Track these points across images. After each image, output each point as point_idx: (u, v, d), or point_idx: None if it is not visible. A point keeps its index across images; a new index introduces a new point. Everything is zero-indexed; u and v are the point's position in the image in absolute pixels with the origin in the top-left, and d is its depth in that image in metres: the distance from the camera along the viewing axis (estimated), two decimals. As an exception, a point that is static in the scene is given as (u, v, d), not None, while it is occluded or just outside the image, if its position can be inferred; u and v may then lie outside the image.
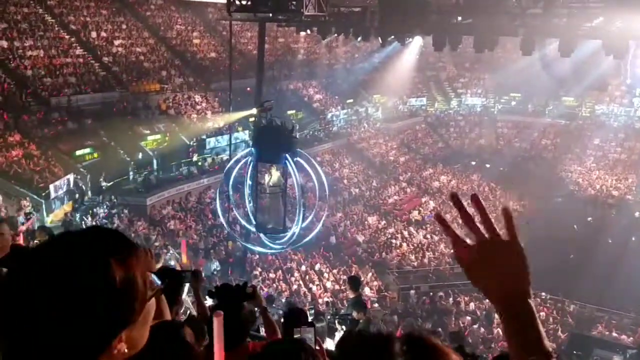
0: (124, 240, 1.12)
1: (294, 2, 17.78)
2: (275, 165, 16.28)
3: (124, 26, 37.52)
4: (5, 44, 29.25)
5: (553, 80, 46.25)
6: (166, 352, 2.27)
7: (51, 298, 0.98)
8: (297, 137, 16.73)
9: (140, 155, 29.36)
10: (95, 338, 1.02)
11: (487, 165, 45.90)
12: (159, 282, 1.19)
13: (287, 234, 17.10)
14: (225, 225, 21.80)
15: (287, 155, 15.61)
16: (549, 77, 45.57)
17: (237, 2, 18.44)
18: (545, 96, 51.58)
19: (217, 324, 2.24)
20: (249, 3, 18.18)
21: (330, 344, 8.64)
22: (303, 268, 26.26)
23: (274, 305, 16.28)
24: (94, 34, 34.75)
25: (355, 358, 1.01)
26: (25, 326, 0.98)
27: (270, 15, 20.94)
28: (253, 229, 18.10)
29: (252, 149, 16.52)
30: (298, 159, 16.27)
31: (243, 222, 19.31)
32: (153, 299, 1.16)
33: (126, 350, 1.08)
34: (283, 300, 20.35)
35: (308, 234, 18.87)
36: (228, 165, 19.52)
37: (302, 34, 32.05)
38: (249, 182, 16.95)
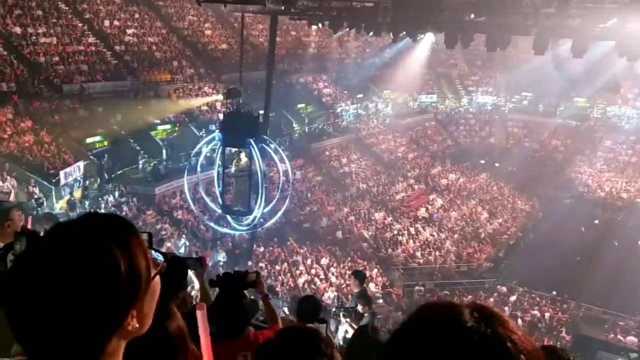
0: (123, 223, 1.18)
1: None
2: (245, 151, 16.67)
3: (136, 15, 37.60)
4: (19, 30, 29.39)
5: (565, 80, 45.88)
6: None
7: (62, 287, 1.04)
8: (261, 122, 17.37)
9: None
10: (107, 319, 1.09)
11: (497, 165, 45.72)
12: (161, 259, 1.26)
13: (250, 216, 17.61)
14: (192, 206, 22.48)
15: (251, 140, 16.00)
16: (561, 78, 45.23)
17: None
18: (556, 96, 51.14)
19: (201, 316, 2.26)
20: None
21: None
22: (308, 262, 26.34)
23: (273, 296, 16.44)
24: (106, 23, 34.86)
25: (422, 329, 1.02)
26: (38, 312, 1.04)
27: (283, 7, 20.97)
28: (219, 210, 18.68)
29: (219, 134, 16.91)
30: (263, 145, 16.77)
31: (210, 204, 19.92)
32: (158, 276, 1.22)
33: (137, 326, 1.16)
34: (285, 294, 20.52)
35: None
36: (195, 150, 20.29)
37: (314, 27, 31.93)
38: (218, 162, 17.45)
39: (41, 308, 1.03)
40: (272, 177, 26.16)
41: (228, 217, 19.02)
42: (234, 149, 17.15)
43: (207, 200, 20.09)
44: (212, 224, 22.59)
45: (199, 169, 19.21)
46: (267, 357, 1.99)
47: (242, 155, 16.92)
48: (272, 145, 18.12)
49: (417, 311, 1.06)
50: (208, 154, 31.78)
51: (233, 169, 17.24)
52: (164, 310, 2.29)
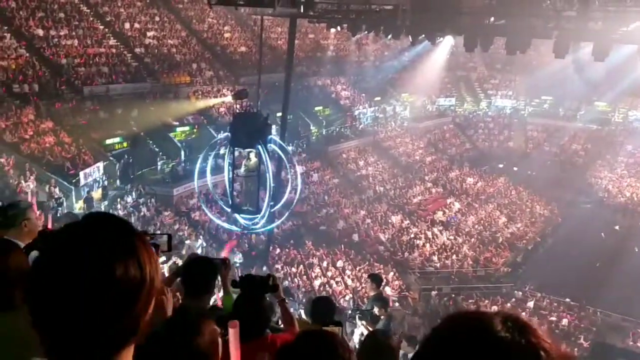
0: (126, 224, 1.19)
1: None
2: (255, 152, 16.83)
3: (157, 18, 37.96)
4: (41, 32, 29.82)
5: (586, 84, 45.37)
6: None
7: (68, 287, 1.05)
8: (271, 124, 17.42)
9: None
10: (115, 319, 1.10)
11: (515, 169, 45.31)
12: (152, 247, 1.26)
13: (258, 215, 17.73)
14: (203, 205, 22.78)
15: (259, 141, 16.14)
16: (581, 81, 44.73)
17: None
18: (577, 100, 50.59)
19: (233, 334, 2.23)
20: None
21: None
22: (324, 264, 26.33)
23: (289, 298, 16.49)
24: (127, 25, 35.24)
25: (453, 339, 1.01)
26: (49, 310, 1.06)
27: (299, 10, 21.00)
28: (229, 210, 18.89)
29: (228, 134, 17.05)
30: (272, 145, 16.94)
31: (220, 203, 20.13)
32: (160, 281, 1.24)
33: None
34: (301, 296, 20.54)
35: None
36: (203, 153, 20.51)
37: (333, 30, 31.97)
38: (228, 161, 17.63)
39: (52, 307, 1.05)
40: (288, 178, 26.28)
41: (237, 216, 19.23)
42: (246, 150, 17.27)
43: (218, 199, 20.31)
44: (222, 223, 22.69)
45: (209, 173, 19.34)
46: None
47: (252, 156, 17.12)
48: (290, 148, 18.29)
49: (446, 320, 1.04)
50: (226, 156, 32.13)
51: (243, 169, 17.43)
52: (194, 324, 2.20)
